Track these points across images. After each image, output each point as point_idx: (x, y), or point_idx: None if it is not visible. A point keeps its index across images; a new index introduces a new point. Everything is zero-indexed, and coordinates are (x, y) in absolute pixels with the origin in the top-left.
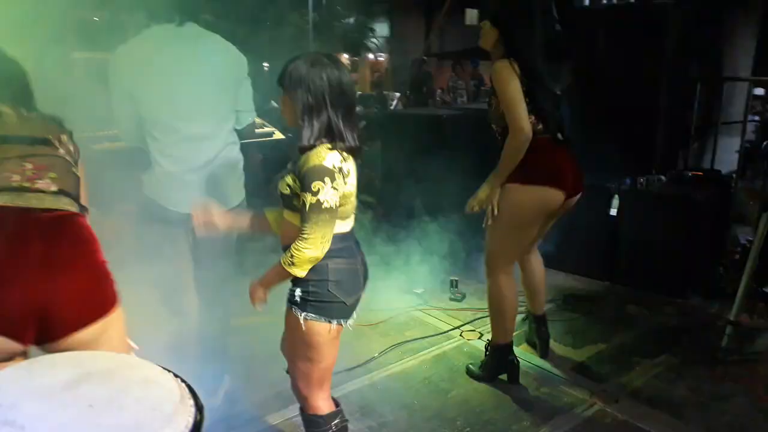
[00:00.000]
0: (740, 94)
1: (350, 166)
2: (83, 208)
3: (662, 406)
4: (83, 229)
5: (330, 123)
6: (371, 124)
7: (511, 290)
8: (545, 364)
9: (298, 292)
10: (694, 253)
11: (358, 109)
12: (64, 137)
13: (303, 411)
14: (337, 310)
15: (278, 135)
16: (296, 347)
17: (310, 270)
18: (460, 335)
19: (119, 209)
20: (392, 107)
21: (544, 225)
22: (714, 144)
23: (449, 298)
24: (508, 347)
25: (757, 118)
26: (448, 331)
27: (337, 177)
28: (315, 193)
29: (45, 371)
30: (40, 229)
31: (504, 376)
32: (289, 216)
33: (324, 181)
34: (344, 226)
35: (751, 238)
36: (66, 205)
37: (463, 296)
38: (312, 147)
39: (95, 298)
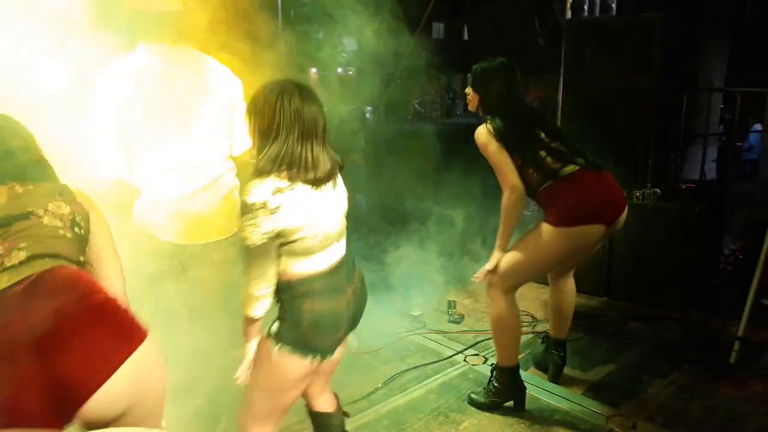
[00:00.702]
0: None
1: (300, 193)
2: (79, 264)
3: (681, 429)
4: (67, 277)
5: (286, 152)
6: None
7: (514, 309)
8: (555, 389)
9: (275, 326)
10: (691, 265)
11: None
12: (53, 204)
13: None
14: (313, 348)
15: None
16: (259, 376)
17: (286, 310)
18: (464, 360)
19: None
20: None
21: (587, 254)
22: (703, 154)
23: (447, 320)
24: (515, 370)
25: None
26: (451, 356)
27: (260, 213)
28: (241, 230)
29: None
30: (18, 305)
31: (510, 403)
32: None
33: (245, 218)
34: (321, 259)
35: (733, 247)
36: (39, 266)
37: (462, 317)
38: (259, 174)
39: (101, 348)
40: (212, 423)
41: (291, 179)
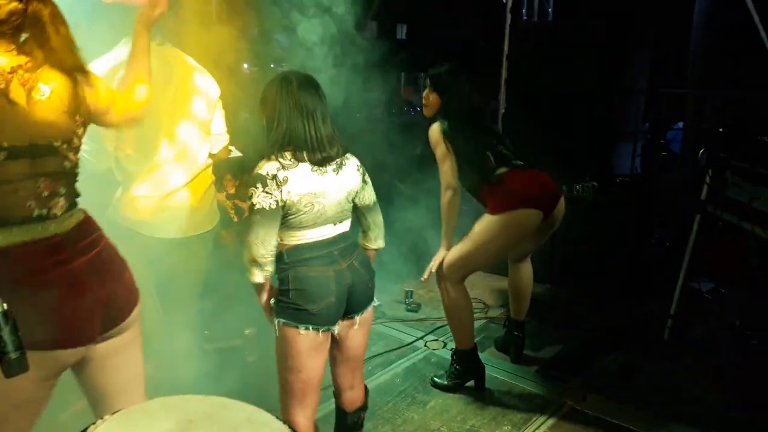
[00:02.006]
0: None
1: (300, 173)
2: (78, 195)
3: (626, 400)
4: (91, 225)
5: (289, 134)
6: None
7: (466, 297)
8: (511, 368)
9: (272, 301)
10: (626, 253)
11: None
12: (76, 139)
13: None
14: (305, 316)
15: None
16: (278, 356)
17: (279, 279)
18: (425, 345)
19: None
20: None
21: (535, 241)
22: (633, 150)
23: (405, 309)
24: (473, 352)
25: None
26: (412, 342)
27: (269, 183)
28: (249, 197)
29: (144, 423)
30: (69, 247)
31: (471, 383)
32: None
33: (256, 186)
34: (312, 234)
35: (658, 236)
36: (77, 215)
37: (419, 306)
38: (266, 157)
39: (131, 284)
40: None
41: (295, 159)
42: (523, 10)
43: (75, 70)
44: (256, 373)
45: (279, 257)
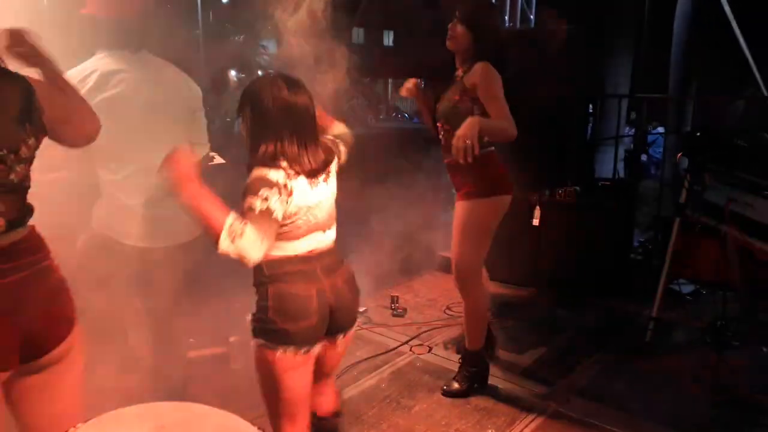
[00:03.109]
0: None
1: (299, 185)
2: (29, 211)
3: (608, 402)
4: (31, 246)
5: (281, 149)
6: None
7: (487, 295)
8: (495, 372)
9: (249, 317)
10: (607, 256)
11: None
12: (24, 150)
13: None
14: (282, 337)
15: (219, 159)
16: (258, 376)
17: (258, 294)
18: (410, 350)
19: (66, 244)
20: None
21: None
22: (615, 155)
23: (392, 315)
24: (483, 352)
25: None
26: (397, 347)
27: (283, 192)
28: (263, 199)
29: (116, 431)
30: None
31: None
32: None
33: (272, 190)
34: (295, 247)
35: (642, 239)
36: (16, 234)
37: (405, 311)
38: (264, 164)
39: (62, 315)
40: None
41: (293, 170)
42: (506, 17)
43: (28, 78)
44: (241, 381)
45: (257, 269)
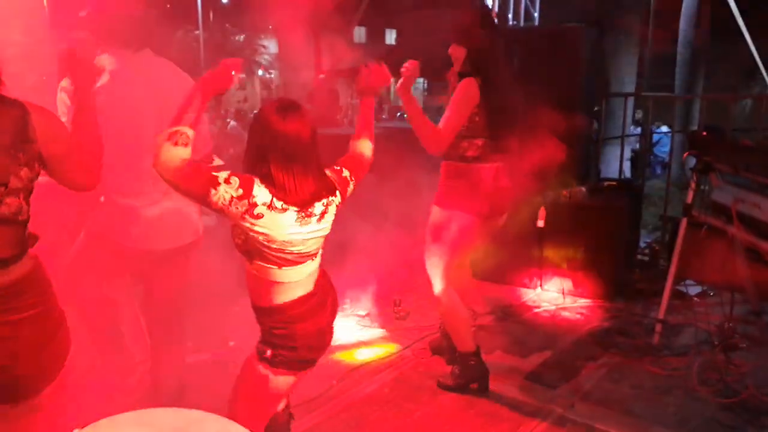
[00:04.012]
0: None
1: (286, 219)
2: (32, 240)
3: (613, 406)
4: (34, 281)
5: (269, 176)
6: None
7: (459, 300)
8: (499, 376)
9: (269, 353)
10: (614, 257)
11: None
12: (22, 175)
13: None
14: (308, 364)
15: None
16: (253, 393)
17: (278, 335)
18: (413, 354)
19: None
20: None
21: None
22: (621, 154)
23: (394, 318)
24: (476, 354)
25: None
26: (400, 351)
27: (239, 191)
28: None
29: None
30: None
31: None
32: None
33: (222, 173)
34: (298, 289)
35: (648, 240)
36: (21, 267)
37: (408, 314)
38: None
39: (60, 353)
40: None
41: (279, 201)
42: (509, 15)
43: (27, 106)
44: None
45: (276, 312)
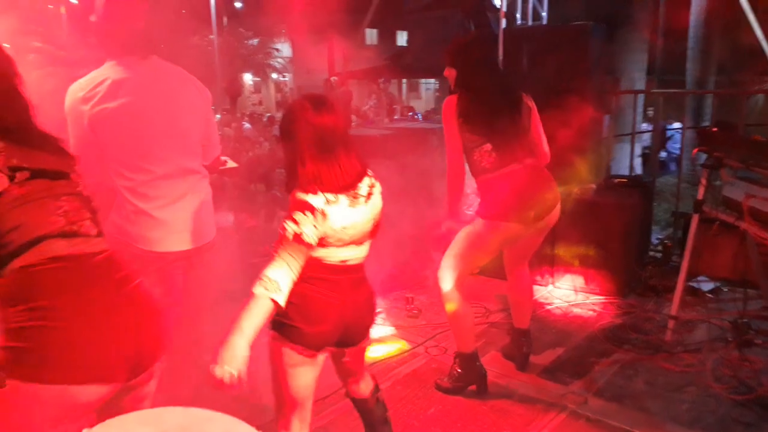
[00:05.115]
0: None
1: (339, 207)
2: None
3: (627, 402)
4: (122, 261)
5: (316, 170)
6: None
7: (465, 302)
8: (512, 373)
9: (277, 318)
10: (626, 254)
11: None
12: (78, 168)
13: None
14: (294, 334)
15: (231, 163)
16: (271, 366)
17: None
18: (426, 352)
19: None
20: None
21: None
22: (631, 151)
23: (406, 315)
24: (474, 356)
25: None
26: (413, 348)
27: (318, 216)
28: (294, 223)
29: None
30: (98, 273)
31: (473, 386)
32: None
33: (305, 215)
34: (329, 256)
35: (660, 236)
36: (105, 245)
37: (420, 312)
38: (306, 189)
39: (163, 324)
40: None
41: (334, 192)
42: (518, 15)
43: None
44: (257, 384)
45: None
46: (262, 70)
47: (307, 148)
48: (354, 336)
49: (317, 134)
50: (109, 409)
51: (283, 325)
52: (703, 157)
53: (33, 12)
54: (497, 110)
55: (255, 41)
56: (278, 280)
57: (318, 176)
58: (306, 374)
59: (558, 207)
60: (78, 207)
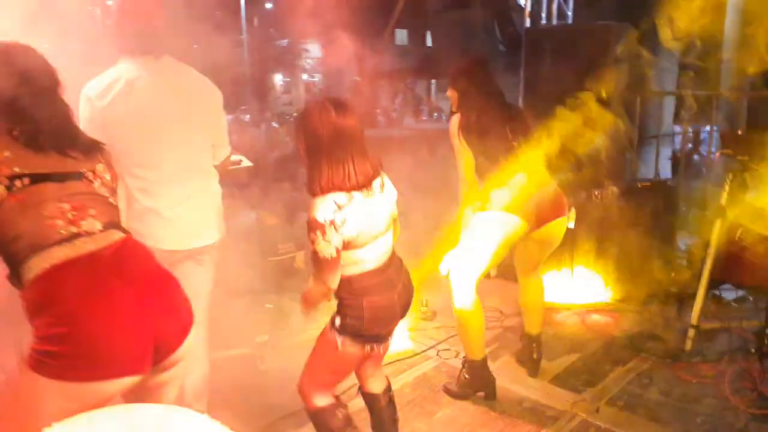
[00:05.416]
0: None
1: (356, 204)
2: (127, 233)
3: (640, 412)
4: (139, 246)
5: (336, 169)
6: None
7: (478, 307)
8: (523, 379)
9: (338, 320)
10: (648, 260)
11: None
12: (100, 167)
13: (306, 410)
14: (374, 338)
15: (246, 162)
16: (323, 358)
17: (347, 306)
18: (437, 354)
19: None
20: None
21: (532, 255)
22: (656, 154)
23: (420, 317)
24: (483, 362)
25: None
26: (424, 351)
27: (328, 230)
28: (312, 243)
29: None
30: (110, 268)
31: (481, 393)
32: None
33: (316, 234)
34: (369, 262)
35: (688, 242)
36: (116, 235)
37: (434, 314)
38: (320, 193)
39: (184, 307)
40: None
41: (347, 191)
42: (543, 14)
43: None
44: (267, 382)
45: (347, 284)
46: (292, 71)
47: (327, 147)
48: (407, 310)
49: (338, 134)
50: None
51: (361, 334)
52: (726, 160)
53: (68, 13)
54: (491, 131)
55: (284, 42)
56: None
57: (336, 174)
58: (361, 360)
59: (562, 222)
60: (83, 205)
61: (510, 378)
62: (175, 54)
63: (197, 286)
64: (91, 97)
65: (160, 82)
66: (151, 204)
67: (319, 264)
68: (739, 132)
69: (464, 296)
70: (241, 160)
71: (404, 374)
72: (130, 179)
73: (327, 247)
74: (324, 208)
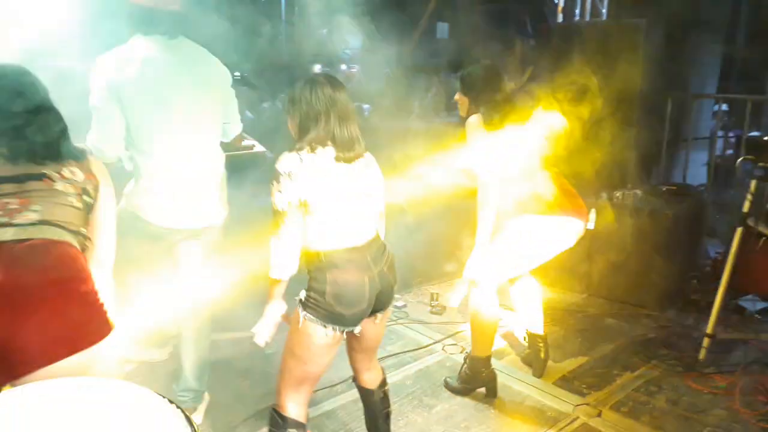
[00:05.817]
0: (704, 110)
1: (322, 168)
2: (81, 239)
3: (643, 419)
4: (66, 257)
5: (327, 133)
6: None
7: (492, 305)
8: (527, 378)
9: (303, 294)
10: (668, 265)
11: None
12: (67, 171)
13: (273, 407)
14: (335, 318)
15: (259, 147)
16: (290, 342)
17: (312, 279)
18: (442, 349)
19: None
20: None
21: None
22: (686, 158)
23: (429, 312)
24: (486, 361)
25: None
26: (429, 345)
27: (283, 180)
28: (270, 195)
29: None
30: (7, 260)
31: (483, 389)
32: None
33: (273, 184)
34: (344, 239)
35: (720, 251)
36: (48, 233)
37: (444, 309)
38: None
39: (67, 331)
40: (195, 400)
41: (323, 152)
42: (576, 10)
43: None
44: (272, 366)
45: (315, 259)
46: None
47: (321, 114)
48: (385, 301)
49: (334, 104)
50: None
51: (322, 310)
52: (748, 166)
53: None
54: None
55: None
56: (283, 258)
57: (330, 135)
58: (332, 352)
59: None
60: (29, 201)
61: (514, 376)
62: (210, 40)
63: (199, 265)
64: (104, 69)
65: (171, 61)
66: (155, 181)
67: (273, 216)
68: (765, 138)
69: (482, 297)
70: (254, 145)
71: (406, 367)
72: (137, 156)
73: (279, 198)
74: (288, 159)
